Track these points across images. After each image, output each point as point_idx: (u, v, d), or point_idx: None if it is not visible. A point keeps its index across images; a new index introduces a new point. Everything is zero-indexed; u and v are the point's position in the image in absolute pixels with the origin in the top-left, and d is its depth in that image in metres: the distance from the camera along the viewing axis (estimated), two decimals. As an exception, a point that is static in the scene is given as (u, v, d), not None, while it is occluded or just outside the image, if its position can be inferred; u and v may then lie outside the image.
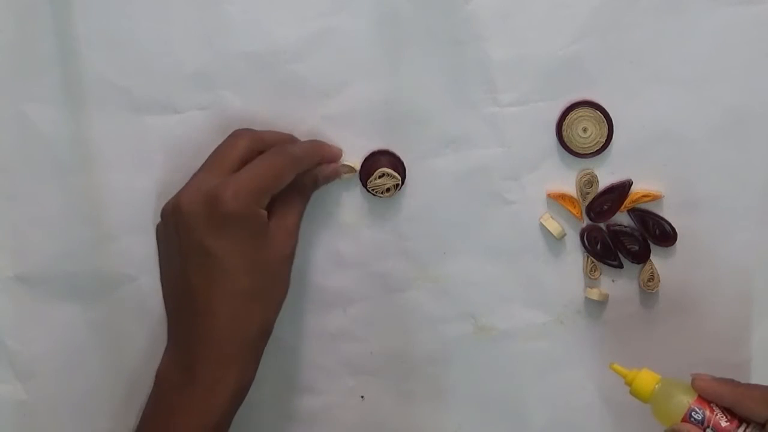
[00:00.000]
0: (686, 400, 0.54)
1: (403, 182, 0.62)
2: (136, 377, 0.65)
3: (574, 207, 0.62)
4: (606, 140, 0.61)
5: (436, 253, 0.63)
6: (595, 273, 0.63)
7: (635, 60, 0.60)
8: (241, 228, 0.54)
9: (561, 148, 0.61)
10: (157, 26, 0.61)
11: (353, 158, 0.62)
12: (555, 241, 0.63)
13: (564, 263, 0.63)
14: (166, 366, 0.56)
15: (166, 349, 0.57)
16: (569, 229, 0.63)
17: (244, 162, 0.57)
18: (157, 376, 0.57)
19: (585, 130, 0.61)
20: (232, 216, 0.54)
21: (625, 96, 0.60)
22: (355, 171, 0.62)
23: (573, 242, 0.63)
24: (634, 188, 0.61)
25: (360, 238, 0.63)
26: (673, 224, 0.61)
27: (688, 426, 0.53)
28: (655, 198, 0.61)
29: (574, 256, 0.63)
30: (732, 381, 0.54)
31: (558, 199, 0.62)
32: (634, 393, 0.56)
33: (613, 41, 0.60)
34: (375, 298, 0.64)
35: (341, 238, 0.63)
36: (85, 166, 0.63)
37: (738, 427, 0.53)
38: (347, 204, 0.63)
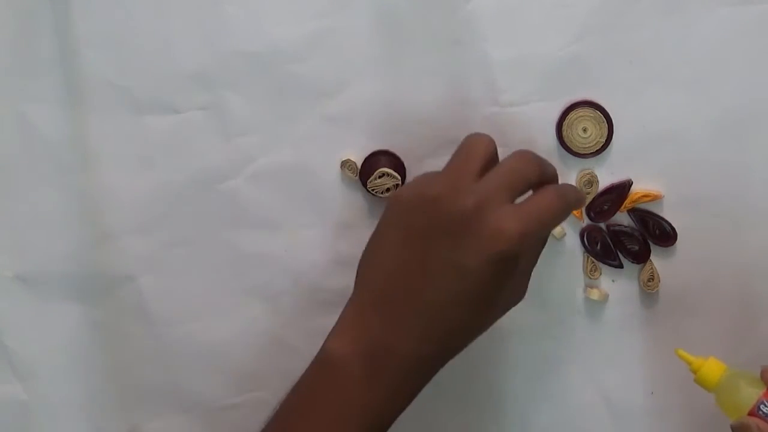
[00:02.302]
0: (755, 393, 0.52)
1: (403, 182, 0.62)
2: (135, 377, 0.65)
3: (574, 207, 0.62)
4: (606, 140, 0.61)
5: (436, 253, 0.63)
6: (595, 273, 0.63)
7: (635, 60, 0.60)
8: (512, 267, 0.51)
9: (561, 148, 0.61)
10: (157, 26, 0.61)
11: (353, 158, 0.62)
12: (555, 241, 0.63)
13: (564, 263, 0.63)
14: (350, 353, 0.52)
15: (354, 331, 0.53)
16: (569, 229, 0.63)
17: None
18: (333, 357, 0.53)
19: (585, 130, 0.61)
20: (513, 256, 0.50)
21: (625, 96, 0.60)
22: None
23: (573, 242, 0.63)
24: (634, 188, 0.61)
25: (360, 238, 0.63)
26: (673, 224, 0.61)
27: (756, 420, 0.51)
28: (655, 198, 0.61)
29: (574, 256, 0.63)
30: None
31: (558, 199, 0.62)
32: (699, 381, 0.55)
33: (613, 41, 0.60)
34: (375, 298, 0.64)
35: (341, 238, 0.63)
36: (85, 166, 0.63)
37: None
38: (347, 204, 0.63)
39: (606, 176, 0.62)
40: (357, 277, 0.55)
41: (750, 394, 0.52)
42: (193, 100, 0.62)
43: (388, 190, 0.62)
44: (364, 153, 0.62)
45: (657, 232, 0.61)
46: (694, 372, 0.55)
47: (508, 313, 0.63)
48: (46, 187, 0.63)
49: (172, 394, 0.65)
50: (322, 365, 0.53)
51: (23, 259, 0.64)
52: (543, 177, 0.54)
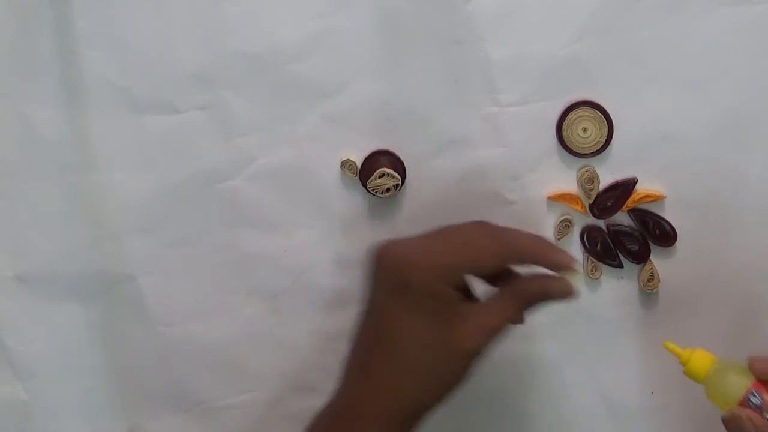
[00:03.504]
0: (744, 383, 0.52)
1: (403, 182, 0.62)
2: (135, 377, 0.65)
3: (577, 203, 0.62)
4: (606, 140, 0.61)
5: (436, 253, 0.63)
6: (596, 273, 0.63)
7: (635, 60, 0.60)
8: (426, 305, 0.51)
9: (561, 148, 0.62)
10: (157, 26, 0.61)
11: (353, 158, 0.62)
12: (555, 242, 0.62)
13: (564, 263, 0.63)
14: (327, 412, 0.54)
15: (338, 389, 0.54)
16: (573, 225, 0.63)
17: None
18: (335, 404, 0.54)
19: (585, 130, 0.61)
20: (417, 290, 0.51)
21: (625, 96, 0.61)
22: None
23: (573, 242, 0.63)
24: (636, 189, 0.61)
25: (360, 238, 0.63)
26: (673, 224, 0.61)
27: (746, 411, 0.51)
28: (658, 199, 0.61)
29: (574, 256, 0.63)
30: None
31: (559, 199, 0.62)
32: (688, 373, 0.54)
33: (613, 41, 0.60)
34: (375, 298, 0.64)
35: (341, 238, 0.64)
36: (85, 166, 0.63)
37: None
38: (347, 204, 0.63)
39: (606, 176, 0.62)
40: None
41: (739, 385, 0.52)
42: (193, 100, 0.62)
43: (388, 190, 0.62)
44: (364, 153, 0.62)
45: (657, 232, 0.61)
46: (683, 364, 0.55)
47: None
48: (46, 187, 0.63)
49: (172, 394, 0.65)
50: (331, 410, 0.54)
51: (23, 259, 0.64)
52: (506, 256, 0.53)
